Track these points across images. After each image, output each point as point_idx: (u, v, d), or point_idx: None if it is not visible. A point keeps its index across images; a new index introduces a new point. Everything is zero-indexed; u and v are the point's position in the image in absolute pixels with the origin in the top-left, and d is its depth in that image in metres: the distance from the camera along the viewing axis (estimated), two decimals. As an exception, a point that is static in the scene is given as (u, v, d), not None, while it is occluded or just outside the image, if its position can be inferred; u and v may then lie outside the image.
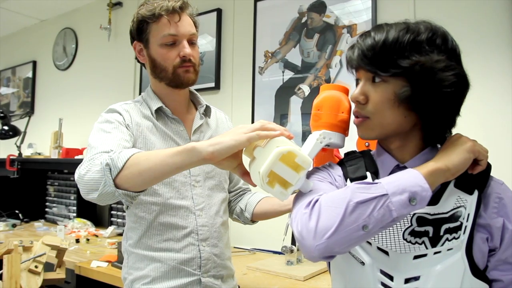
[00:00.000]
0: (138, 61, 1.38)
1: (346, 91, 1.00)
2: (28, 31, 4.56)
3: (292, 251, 2.04)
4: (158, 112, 1.33)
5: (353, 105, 0.96)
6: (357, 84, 0.90)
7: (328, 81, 2.31)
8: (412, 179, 0.72)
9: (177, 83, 1.29)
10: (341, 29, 2.29)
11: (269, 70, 2.55)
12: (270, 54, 2.56)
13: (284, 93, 2.48)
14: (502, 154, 1.80)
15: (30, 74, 4.44)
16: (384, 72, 0.82)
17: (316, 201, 0.75)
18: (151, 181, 0.99)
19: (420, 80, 0.80)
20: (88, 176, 1.01)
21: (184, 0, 1.29)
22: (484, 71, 1.86)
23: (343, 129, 0.96)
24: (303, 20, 2.44)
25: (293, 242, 2.07)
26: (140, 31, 1.30)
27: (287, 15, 2.50)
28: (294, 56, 2.45)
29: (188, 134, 1.35)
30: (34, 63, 4.42)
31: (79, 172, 1.04)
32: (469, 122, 1.83)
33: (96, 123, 1.25)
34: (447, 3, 1.98)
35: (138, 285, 1.27)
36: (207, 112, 1.43)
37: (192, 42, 1.30)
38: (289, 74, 2.47)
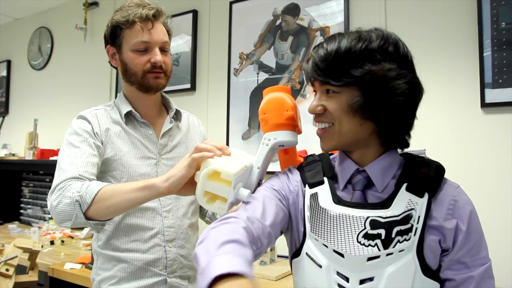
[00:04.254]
0: (111, 65, 1.40)
1: (287, 91, 1.03)
2: (2, 30, 4.48)
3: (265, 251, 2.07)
4: (128, 116, 1.35)
5: (307, 116, 1.00)
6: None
7: (301, 82, 2.34)
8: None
9: (146, 88, 1.31)
10: (315, 31, 2.32)
11: (244, 72, 2.58)
12: (245, 56, 2.58)
13: (259, 94, 2.50)
14: (469, 155, 1.85)
15: (4, 73, 4.37)
16: (337, 82, 0.85)
17: (207, 232, 0.77)
18: (117, 213, 1.13)
19: (372, 89, 0.83)
20: (59, 208, 1.10)
21: (158, 8, 1.31)
22: (452, 73, 1.92)
23: (292, 126, 0.99)
24: (278, 22, 2.46)
25: (267, 242, 2.10)
26: (113, 36, 1.32)
27: (262, 18, 2.52)
28: (269, 58, 2.48)
29: (157, 137, 1.37)
30: (9, 62, 4.35)
31: (50, 202, 1.12)
32: (437, 124, 1.90)
33: (66, 135, 1.28)
34: (417, 5, 2.03)
35: (105, 285, 1.30)
36: (177, 116, 1.45)
37: (164, 50, 1.32)
38: (263, 76, 2.50)
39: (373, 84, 0.82)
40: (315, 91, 0.92)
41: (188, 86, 2.81)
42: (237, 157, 1.00)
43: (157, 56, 1.28)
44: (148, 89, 1.32)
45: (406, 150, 0.96)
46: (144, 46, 1.28)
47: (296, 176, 0.98)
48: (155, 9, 1.30)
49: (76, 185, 1.11)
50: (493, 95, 1.81)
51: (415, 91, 0.86)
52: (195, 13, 2.85)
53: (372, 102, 0.83)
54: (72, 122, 1.31)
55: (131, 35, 1.28)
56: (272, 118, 0.98)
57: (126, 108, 1.34)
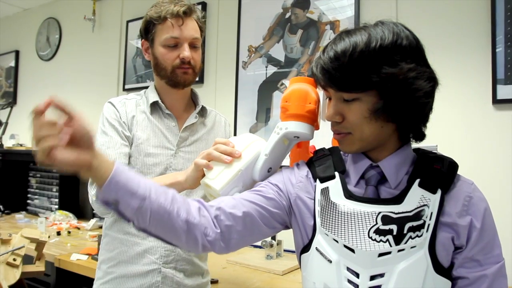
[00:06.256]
0: (144, 58, 1.46)
1: (314, 83, 1.01)
2: (10, 20, 4.49)
3: (272, 245, 2.06)
4: (155, 106, 1.40)
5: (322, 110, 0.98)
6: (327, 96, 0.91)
7: (310, 76, 2.32)
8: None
9: (174, 82, 1.36)
10: (324, 25, 2.30)
11: (252, 65, 2.56)
12: (253, 49, 2.56)
13: (267, 87, 2.49)
14: (480, 151, 1.83)
15: (12, 64, 4.38)
16: (354, 89, 0.82)
17: None
18: None
19: (393, 93, 0.80)
20: (99, 202, 1.18)
21: (190, 5, 1.35)
22: (464, 69, 1.89)
23: (311, 120, 0.98)
24: (287, 15, 2.44)
25: (273, 237, 2.10)
26: (147, 31, 1.38)
27: (271, 10, 2.50)
28: (278, 51, 2.46)
29: (179, 130, 1.41)
30: (17, 53, 4.36)
31: (91, 197, 1.24)
32: (449, 120, 1.87)
33: (99, 122, 1.36)
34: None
35: (105, 266, 1.37)
36: (203, 112, 1.49)
37: (194, 46, 1.35)
38: (272, 69, 2.48)
39: (394, 89, 0.80)
40: (328, 97, 0.90)
41: (196, 78, 2.79)
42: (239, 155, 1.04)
43: (186, 52, 1.32)
44: (176, 84, 1.36)
45: (417, 145, 0.95)
46: (174, 42, 1.32)
47: (303, 171, 0.97)
48: (186, 6, 1.33)
49: None
50: (505, 91, 1.78)
51: (435, 87, 0.84)
52: (204, 5, 2.83)
53: (394, 105, 0.81)
54: (103, 109, 1.37)
55: (162, 30, 1.33)
56: (293, 108, 0.97)
57: (153, 98, 1.39)
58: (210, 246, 0.87)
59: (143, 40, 1.41)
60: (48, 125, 0.70)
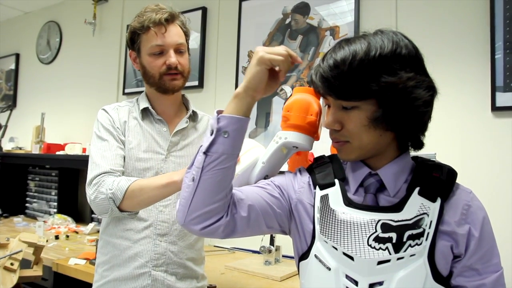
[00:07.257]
0: (134, 67, 1.47)
1: (318, 95, 1.02)
2: (11, 23, 4.50)
3: (270, 251, 2.06)
4: (146, 112, 1.42)
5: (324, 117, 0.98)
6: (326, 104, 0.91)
7: (310, 82, 2.32)
8: (213, 120, 0.87)
9: (163, 89, 1.38)
10: (324, 31, 2.31)
11: (252, 70, 2.55)
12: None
13: (267, 93, 2.49)
14: (479, 159, 1.83)
15: (13, 67, 4.38)
16: (354, 98, 0.82)
17: None
18: (148, 206, 1.29)
19: (392, 102, 0.80)
20: (96, 202, 1.24)
21: (171, 12, 1.36)
22: (463, 76, 1.89)
23: (311, 132, 0.98)
24: (287, 21, 2.45)
25: (272, 242, 2.09)
26: (132, 41, 1.40)
27: (271, 16, 2.51)
28: (277, 57, 2.46)
29: (170, 135, 1.42)
30: (17, 56, 4.37)
31: (89, 196, 1.26)
32: (447, 128, 1.87)
33: (94, 128, 1.39)
34: (428, 5, 2.00)
35: (100, 269, 1.39)
36: (194, 117, 1.50)
37: (179, 51, 1.37)
38: (272, 75, 2.47)
39: (393, 97, 0.80)
40: (328, 104, 0.90)
41: (196, 83, 2.80)
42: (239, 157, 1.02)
43: (172, 58, 1.35)
44: (166, 90, 1.38)
45: (416, 154, 0.95)
46: (159, 49, 1.35)
47: (304, 177, 0.97)
48: (168, 13, 1.35)
49: (109, 181, 1.23)
50: (504, 98, 1.78)
51: (434, 96, 0.84)
52: (204, 10, 2.84)
53: (393, 114, 0.81)
54: (97, 116, 1.40)
55: (147, 39, 1.35)
56: (294, 118, 0.97)
57: (144, 104, 1.42)
58: (214, 228, 0.85)
59: (130, 50, 1.44)
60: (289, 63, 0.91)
